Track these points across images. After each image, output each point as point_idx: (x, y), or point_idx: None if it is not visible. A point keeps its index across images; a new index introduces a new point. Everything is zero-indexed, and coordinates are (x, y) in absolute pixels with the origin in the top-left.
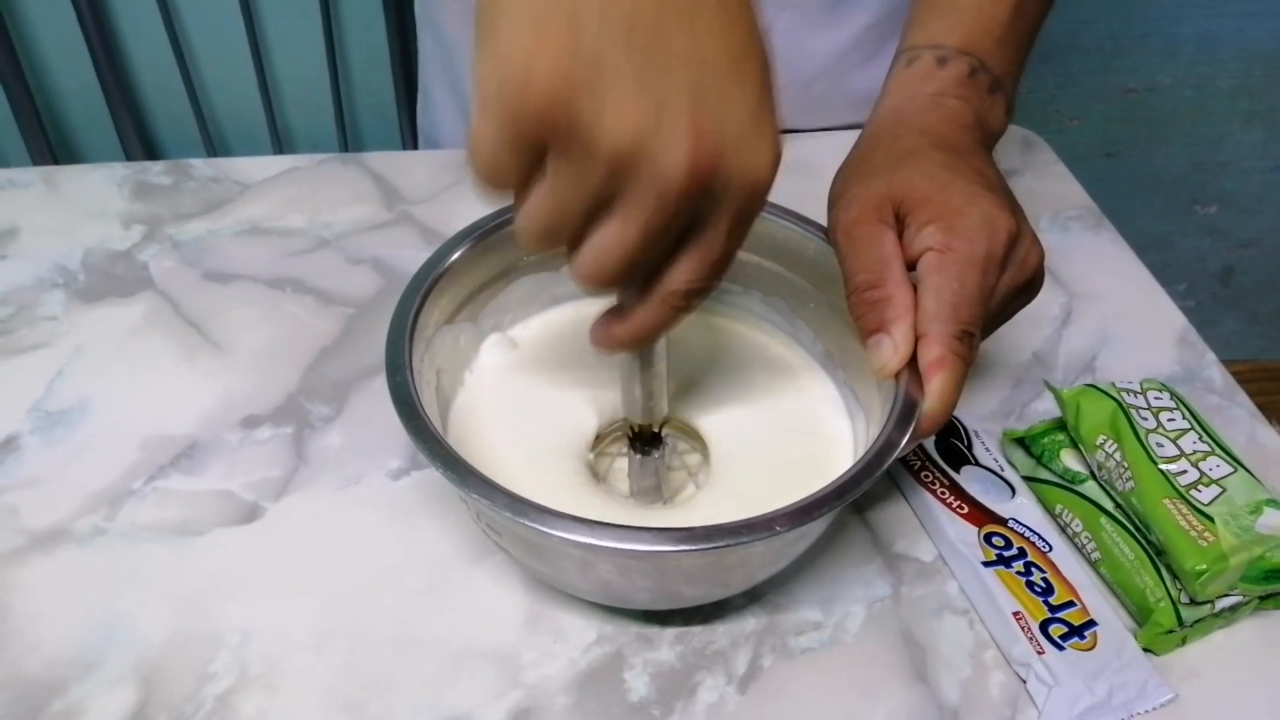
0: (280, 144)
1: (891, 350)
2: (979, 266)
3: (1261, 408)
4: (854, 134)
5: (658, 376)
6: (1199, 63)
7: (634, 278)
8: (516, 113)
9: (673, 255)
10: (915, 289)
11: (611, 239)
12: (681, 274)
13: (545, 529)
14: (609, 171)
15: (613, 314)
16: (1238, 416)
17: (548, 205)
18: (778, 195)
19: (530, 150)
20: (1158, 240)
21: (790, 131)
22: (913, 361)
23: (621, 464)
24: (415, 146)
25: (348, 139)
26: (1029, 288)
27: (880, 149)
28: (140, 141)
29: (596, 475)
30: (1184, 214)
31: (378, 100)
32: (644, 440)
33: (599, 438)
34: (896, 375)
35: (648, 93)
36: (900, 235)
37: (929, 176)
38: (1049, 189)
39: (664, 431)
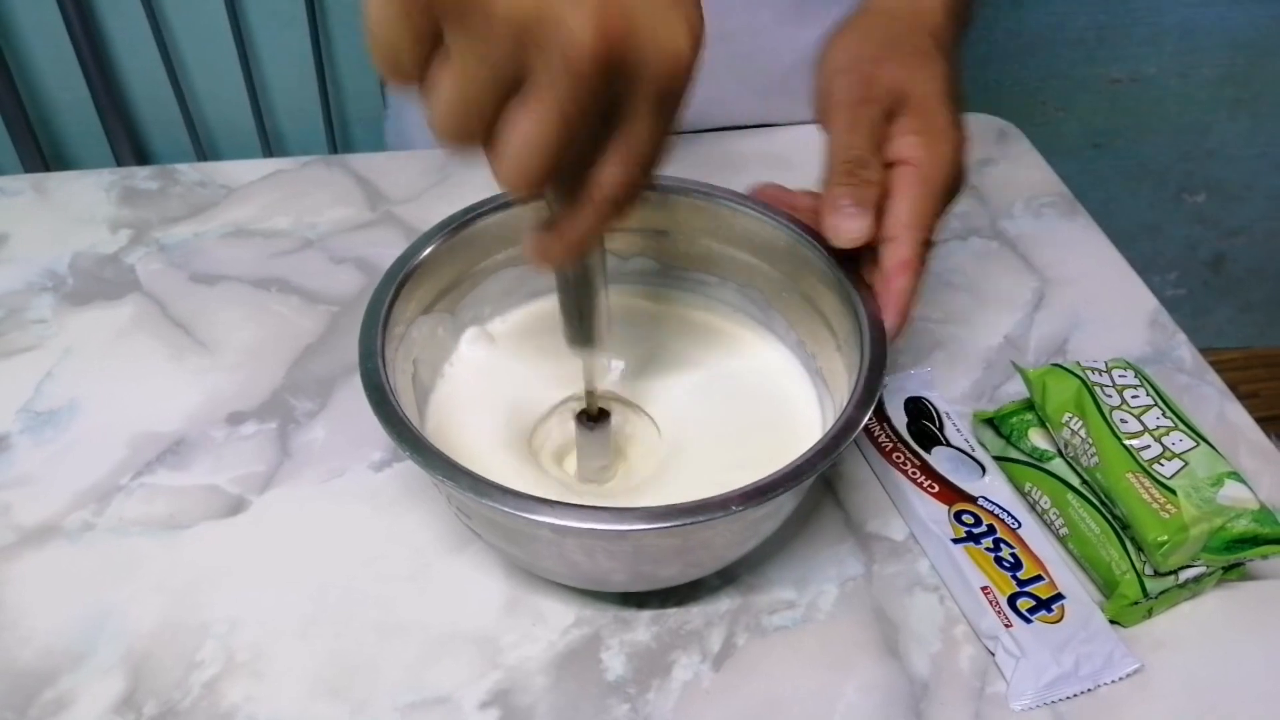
0: (270, 151)
1: (865, 227)
2: (946, 191)
3: (1255, 395)
4: None
5: (595, 295)
6: (1184, 52)
7: (558, 176)
8: None
9: (597, 149)
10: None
11: (528, 127)
12: (609, 169)
13: (505, 508)
14: (512, 44)
15: (545, 226)
16: (1207, 394)
17: (453, 88)
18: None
19: (425, 20)
20: (1147, 230)
21: (767, 126)
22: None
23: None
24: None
25: (337, 144)
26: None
27: (893, 35)
28: (132, 150)
29: (540, 459)
30: (1173, 203)
31: (366, 105)
32: (591, 416)
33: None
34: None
35: None
36: None
37: (933, 89)
38: (1023, 176)
39: (609, 408)
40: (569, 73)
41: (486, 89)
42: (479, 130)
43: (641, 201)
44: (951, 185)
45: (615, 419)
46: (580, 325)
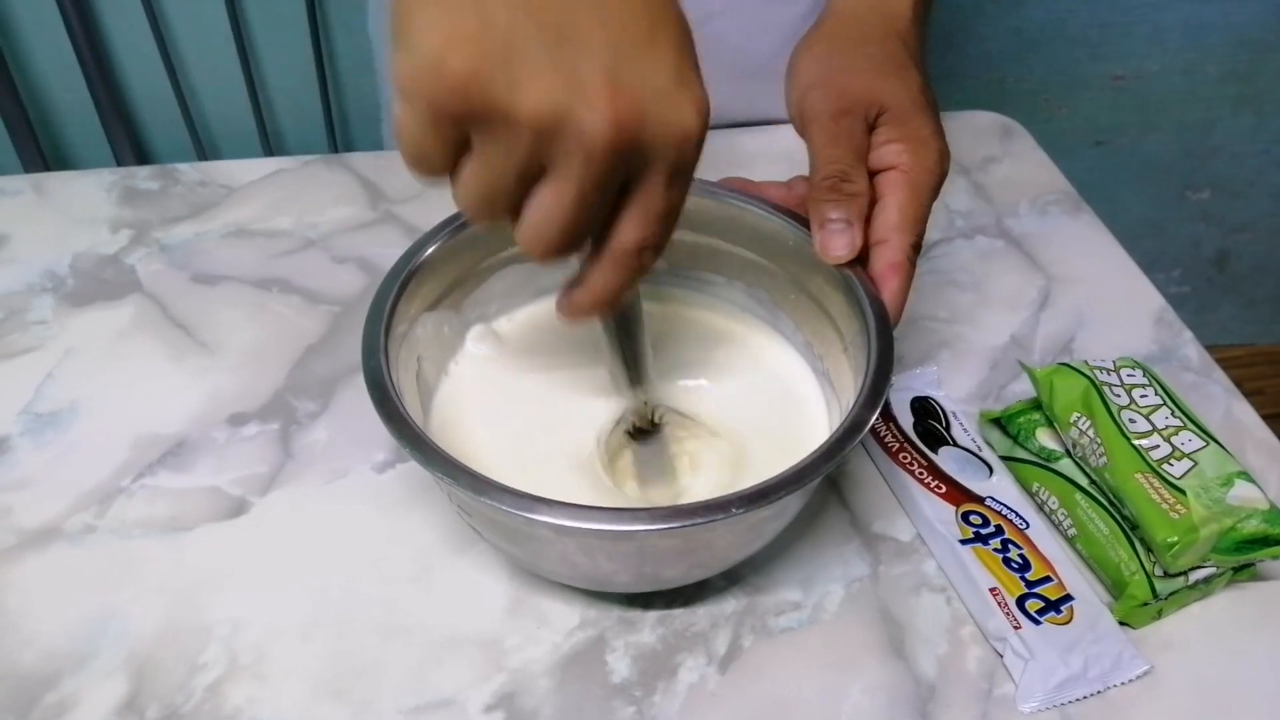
0: (271, 150)
1: (851, 243)
2: (931, 193)
3: (1259, 392)
4: None
5: (638, 342)
6: (1186, 49)
7: (579, 242)
8: (434, 95)
9: (617, 214)
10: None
11: (549, 205)
12: (628, 231)
13: (505, 507)
14: (533, 141)
15: (574, 282)
16: (1214, 393)
17: (479, 179)
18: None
19: (454, 131)
20: (1151, 227)
21: (767, 124)
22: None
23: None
24: None
25: (338, 144)
26: None
27: (865, 42)
28: (132, 150)
29: (611, 475)
30: (1176, 200)
31: (367, 104)
32: (643, 430)
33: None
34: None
35: (562, 63)
36: None
37: (910, 98)
38: (1027, 175)
39: (660, 418)
40: (587, 160)
41: (510, 178)
42: (503, 211)
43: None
44: (936, 191)
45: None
46: (626, 370)
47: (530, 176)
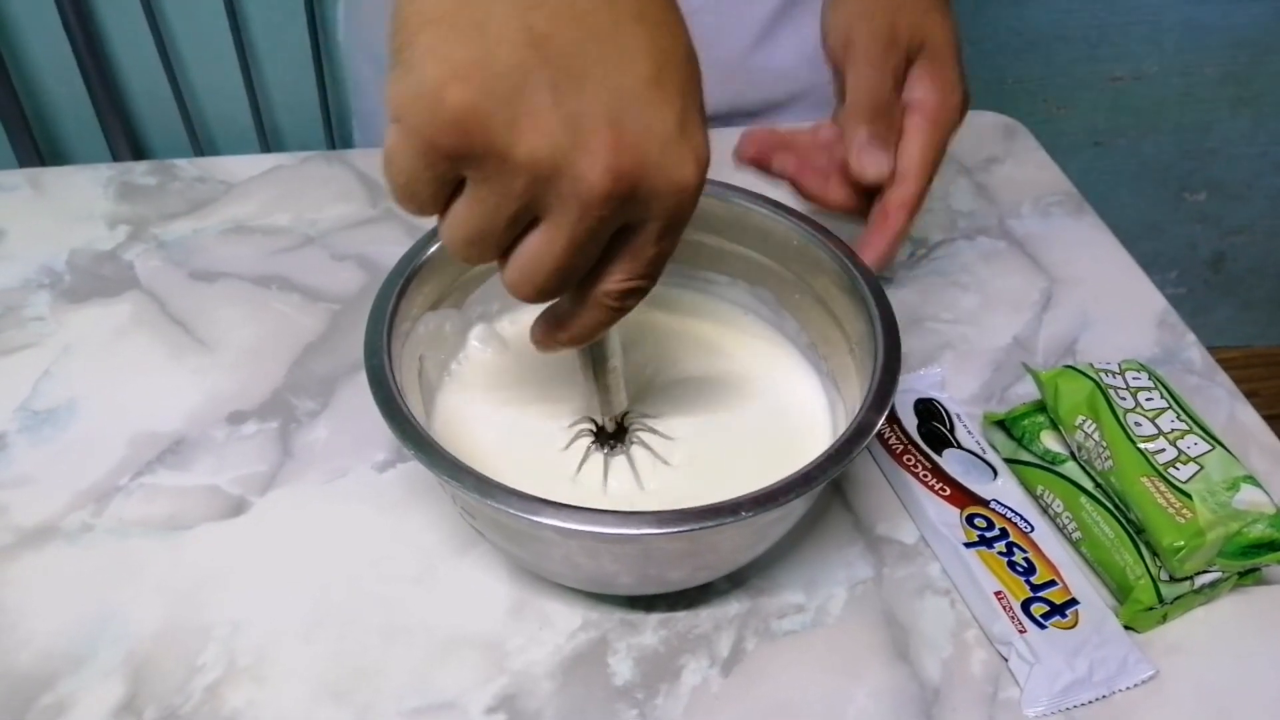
0: (268, 146)
1: (883, 165)
2: (948, 137)
3: (1254, 394)
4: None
5: (613, 371)
6: (1185, 50)
7: (568, 287)
8: (429, 128)
9: (606, 257)
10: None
11: (539, 251)
12: (615, 277)
13: (510, 509)
14: (528, 186)
15: (551, 314)
16: (1218, 396)
17: (469, 220)
18: (764, 187)
19: (446, 167)
20: (1148, 228)
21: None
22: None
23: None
24: None
25: (335, 140)
26: None
27: None
28: (129, 146)
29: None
30: (1174, 202)
31: None
32: (609, 436)
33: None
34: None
35: (564, 107)
36: None
37: (947, 41)
38: (1030, 176)
39: (628, 423)
40: (583, 209)
41: (502, 222)
42: (492, 253)
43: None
44: (952, 134)
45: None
46: (601, 396)
47: (522, 220)
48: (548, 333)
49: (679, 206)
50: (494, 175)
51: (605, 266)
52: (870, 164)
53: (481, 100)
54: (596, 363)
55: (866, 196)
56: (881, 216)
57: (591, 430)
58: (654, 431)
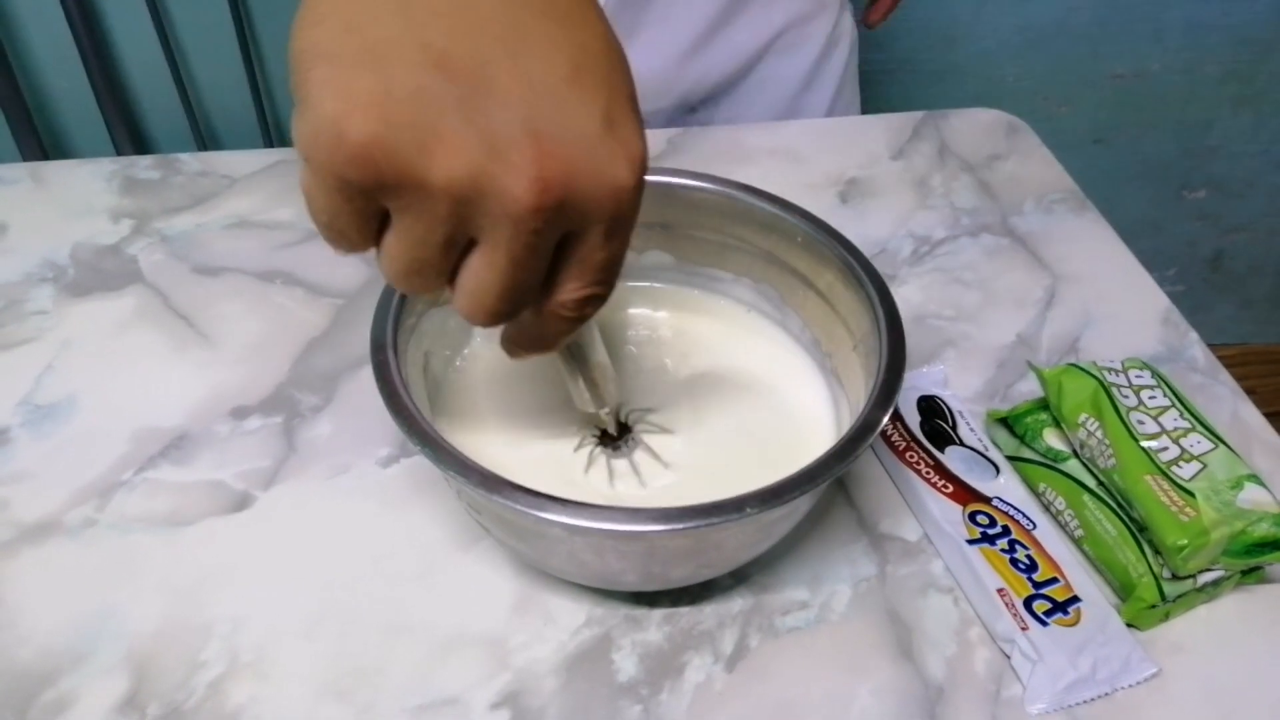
0: (271, 141)
1: None
2: None
3: (1252, 391)
4: (840, 125)
5: (597, 367)
6: (1187, 48)
7: (522, 306)
8: (335, 166)
9: (556, 268)
10: None
11: (481, 275)
12: (568, 288)
13: (518, 506)
14: (452, 210)
15: (515, 325)
16: (1220, 395)
17: (401, 252)
18: (768, 183)
19: (364, 202)
20: (1148, 226)
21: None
22: None
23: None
24: None
25: None
26: None
27: None
28: (131, 139)
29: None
30: (1173, 199)
31: None
32: (612, 437)
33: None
34: None
35: (476, 123)
36: None
37: None
38: (1033, 173)
39: (629, 421)
40: (515, 227)
41: (436, 250)
42: (434, 282)
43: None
44: None
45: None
46: (589, 393)
47: (457, 244)
48: (514, 345)
49: (618, 208)
50: (415, 204)
51: (557, 278)
52: None
53: (384, 130)
54: (578, 360)
55: None
56: None
57: (596, 435)
58: (657, 427)
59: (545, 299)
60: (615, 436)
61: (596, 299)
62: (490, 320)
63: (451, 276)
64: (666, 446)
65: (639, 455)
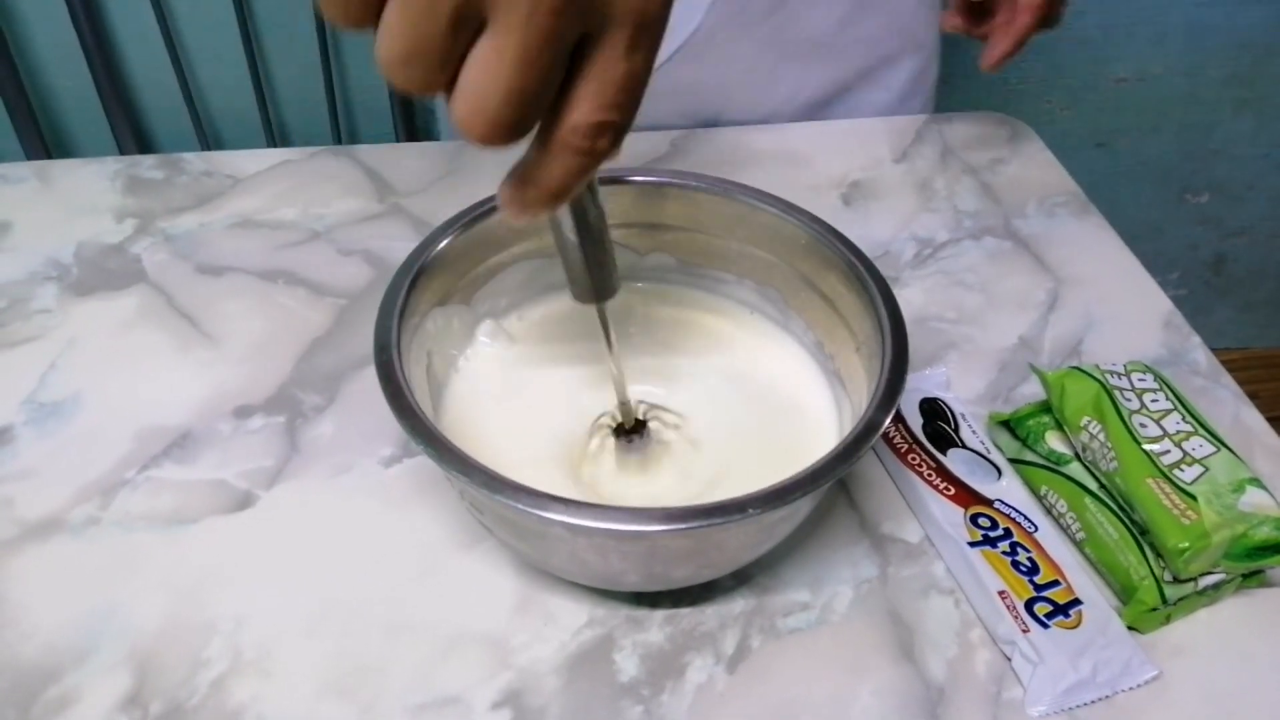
0: (275, 141)
1: None
2: None
3: (1254, 395)
4: (843, 128)
5: (600, 243)
6: (1189, 51)
7: (527, 119)
8: None
9: (569, 85)
10: None
11: (489, 63)
12: (583, 106)
13: (520, 505)
14: None
15: (518, 168)
16: (1222, 398)
17: (402, 28)
18: (771, 185)
19: None
20: (1150, 229)
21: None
22: None
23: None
24: (411, 140)
25: (342, 136)
26: None
27: None
28: (135, 139)
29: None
30: (1175, 203)
31: (371, 96)
32: (628, 430)
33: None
34: None
35: None
36: None
37: None
38: (1035, 176)
39: (647, 415)
40: (532, 7)
41: (442, 25)
42: (435, 72)
43: (620, 142)
44: None
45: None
46: (587, 278)
47: (466, 24)
48: (516, 190)
49: (644, 10)
50: None
51: (569, 97)
52: None
53: None
54: (581, 232)
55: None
56: (1008, 17)
57: (610, 425)
58: (669, 412)
59: (556, 125)
60: (629, 429)
61: (613, 129)
62: (490, 131)
63: (451, 83)
64: (682, 439)
65: (652, 450)
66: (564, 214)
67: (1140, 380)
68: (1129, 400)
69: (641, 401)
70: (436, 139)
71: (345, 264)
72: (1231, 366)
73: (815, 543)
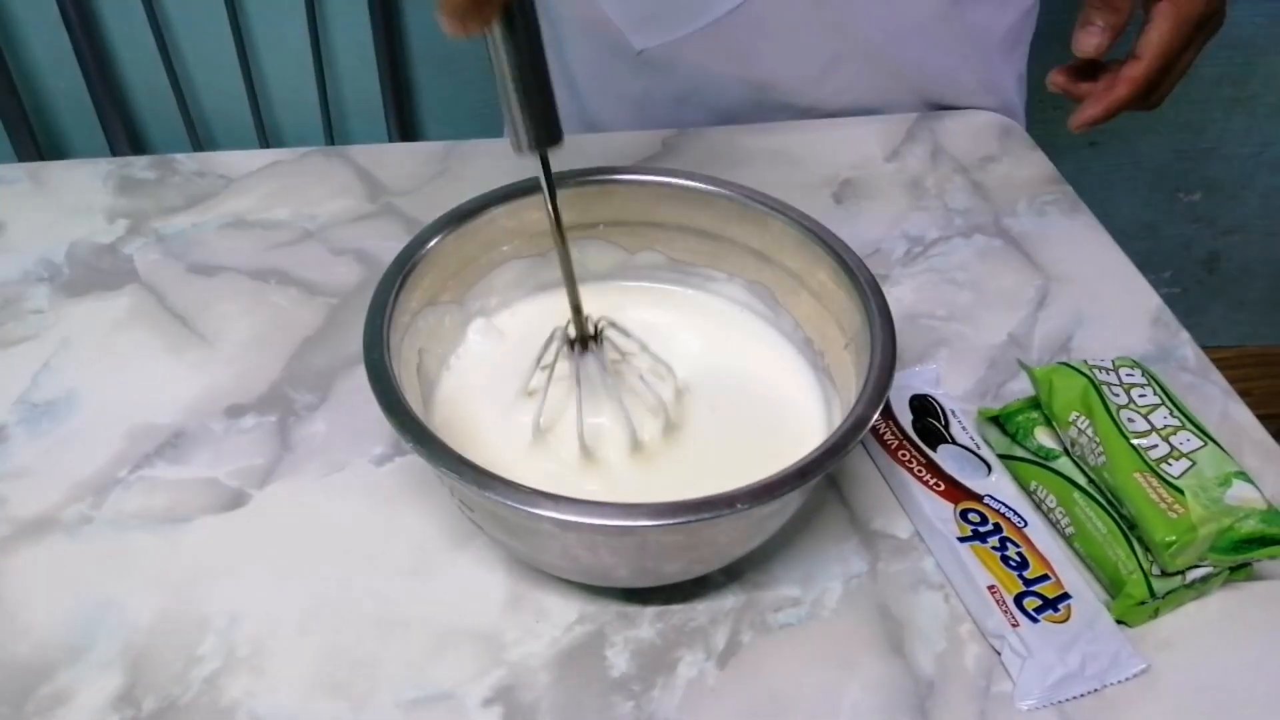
0: (267, 142)
1: (1100, 45)
2: (1196, 28)
3: (1247, 393)
4: (843, 126)
5: (536, 78)
6: None
7: None
8: None
9: None
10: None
11: None
12: None
13: (509, 502)
14: None
15: None
16: (1211, 394)
17: None
18: (762, 184)
19: None
20: (1143, 228)
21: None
22: None
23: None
24: (402, 140)
25: (333, 135)
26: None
27: None
28: (127, 140)
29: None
30: (1168, 202)
31: (364, 98)
32: (581, 340)
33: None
34: None
35: None
36: None
37: None
38: (1025, 174)
39: (599, 326)
40: None
41: None
42: None
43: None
44: (1204, 23)
45: (613, 360)
46: (529, 117)
47: None
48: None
49: None
50: None
51: None
52: (1086, 40)
53: None
54: (514, 62)
55: (1084, 79)
56: (1107, 86)
57: (565, 340)
58: (619, 329)
59: None
60: (583, 341)
61: None
62: None
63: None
64: (656, 435)
65: (626, 410)
66: (499, 44)
67: (1128, 375)
68: (1117, 395)
69: (603, 318)
70: (428, 139)
71: (337, 264)
72: (1225, 365)
73: (806, 539)
